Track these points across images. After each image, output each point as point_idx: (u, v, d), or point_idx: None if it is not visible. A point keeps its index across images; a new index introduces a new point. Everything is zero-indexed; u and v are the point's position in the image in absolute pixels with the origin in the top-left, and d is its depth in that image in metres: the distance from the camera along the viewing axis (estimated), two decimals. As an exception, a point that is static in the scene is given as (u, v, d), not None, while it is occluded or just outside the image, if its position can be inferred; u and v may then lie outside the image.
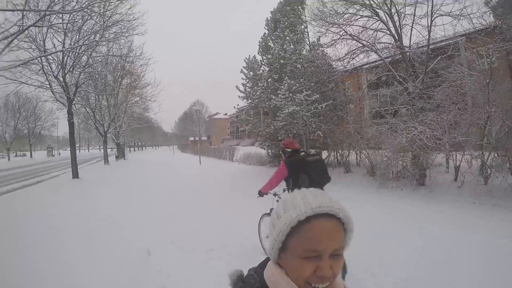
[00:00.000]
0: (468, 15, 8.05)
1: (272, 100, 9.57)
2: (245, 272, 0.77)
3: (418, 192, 7.51)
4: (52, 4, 6.72)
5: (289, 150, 3.56)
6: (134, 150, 60.96)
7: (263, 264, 0.77)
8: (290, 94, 9.26)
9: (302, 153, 3.53)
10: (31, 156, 44.00)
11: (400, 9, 10.62)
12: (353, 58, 11.37)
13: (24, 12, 6.04)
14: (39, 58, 9.24)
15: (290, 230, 0.67)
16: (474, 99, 7.53)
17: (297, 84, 9.38)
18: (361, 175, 9.94)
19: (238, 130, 56.64)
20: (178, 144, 63.42)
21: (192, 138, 57.75)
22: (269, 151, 14.88)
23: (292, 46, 11.63)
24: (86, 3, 7.91)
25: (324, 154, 12.25)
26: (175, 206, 7.65)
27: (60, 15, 8.10)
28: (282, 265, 0.71)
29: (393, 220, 5.52)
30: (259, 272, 0.75)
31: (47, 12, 6.48)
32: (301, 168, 3.31)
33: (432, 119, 7.23)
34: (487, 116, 6.77)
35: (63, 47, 10.05)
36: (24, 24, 6.19)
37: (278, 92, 9.52)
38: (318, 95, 9.43)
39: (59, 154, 52.19)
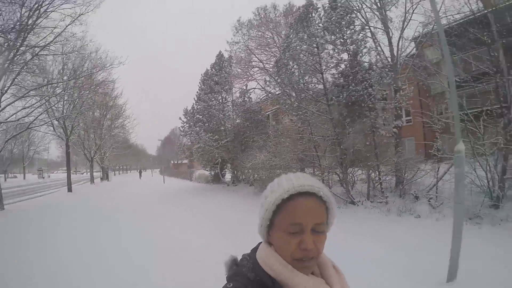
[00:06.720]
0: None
1: (186, 138, 15.36)
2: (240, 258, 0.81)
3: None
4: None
5: None
6: (119, 173, 64.87)
7: (255, 249, 0.82)
8: (198, 136, 15.10)
9: None
10: (24, 177, 46.59)
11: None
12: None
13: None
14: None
15: (276, 208, 0.74)
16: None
17: (202, 130, 15.29)
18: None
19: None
20: (161, 167, 67.56)
21: (172, 162, 62.29)
22: (211, 172, 20.45)
23: (220, 97, 17.66)
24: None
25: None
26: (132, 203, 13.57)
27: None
28: (271, 243, 0.77)
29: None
30: (252, 255, 0.81)
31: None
32: None
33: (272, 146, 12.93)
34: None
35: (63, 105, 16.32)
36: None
37: (189, 134, 15.48)
38: (217, 136, 15.21)
39: (49, 176, 53.80)
